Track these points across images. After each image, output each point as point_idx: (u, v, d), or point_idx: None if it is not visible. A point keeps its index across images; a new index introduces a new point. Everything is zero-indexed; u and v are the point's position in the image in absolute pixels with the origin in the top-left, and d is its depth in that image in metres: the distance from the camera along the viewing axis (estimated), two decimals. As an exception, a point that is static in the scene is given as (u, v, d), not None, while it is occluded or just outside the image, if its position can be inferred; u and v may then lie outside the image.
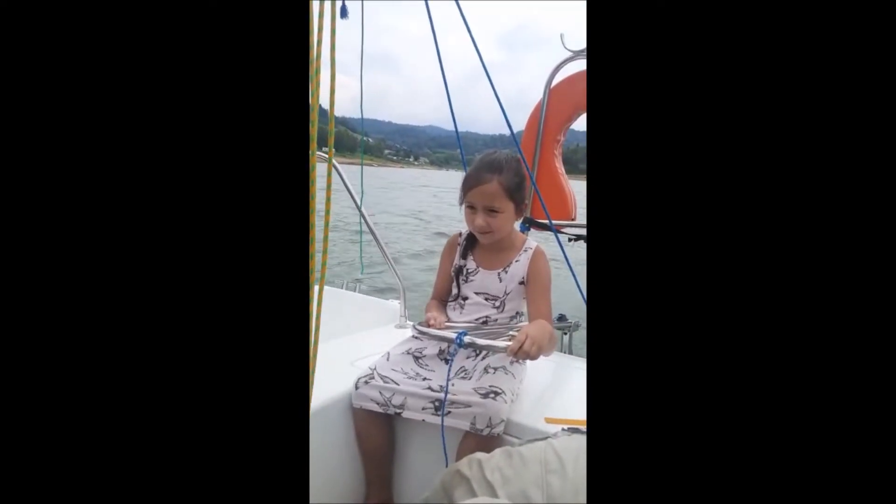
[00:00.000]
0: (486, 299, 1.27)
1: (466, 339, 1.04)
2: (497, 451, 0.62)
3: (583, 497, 0.53)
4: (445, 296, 1.35)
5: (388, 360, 1.21)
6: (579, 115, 2.92)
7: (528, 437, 0.67)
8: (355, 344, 1.48)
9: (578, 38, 2.72)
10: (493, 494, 0.56)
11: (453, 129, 1.73)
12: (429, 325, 1.16)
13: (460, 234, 1.34)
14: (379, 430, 1.18)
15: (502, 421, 1.05)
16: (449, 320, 1.26)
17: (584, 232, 2.79)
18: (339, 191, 1.67)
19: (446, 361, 1.18)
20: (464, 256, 1.31)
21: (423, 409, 1.10)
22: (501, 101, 1.43)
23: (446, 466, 0.71)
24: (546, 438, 0.63)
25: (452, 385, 1.11)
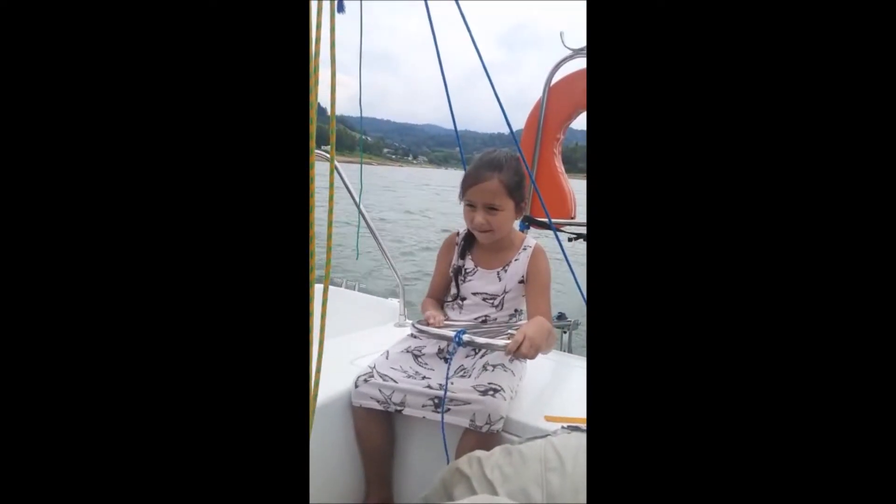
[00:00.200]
0: (485, 299, 1.27)
1: (465, 337, 1.04)
2: (497, 449, 0.62)
3: (582, 495, 0.53)
4: (441, 295, 1.34)
5: (387, 358, 1.21)
6: (579, 113, 2.92)
7: (527, 435, 0.67)
8: (354, 343, 1.48)
9: (578, 36, 2.72)
10: (493, 492, 0.56)
11: (452, 127, 1.74)
12: (427, 324, 1.16)
13: (458, 234, 1.33)
14: (378, 429, 1.18)
15: (501, 418, 1.05)
16: (447, 319, 1.26)
17: (583, 230, 2.79)
18: (338, 188, 1.67)
19: (445, 360, 1.18)
20: (462, 256, 1.30)
21: (423, 406, 1.10)
22: (500, 100, 1.43)
23: (447, 463, 0.71)
24: (546, 436, 0.63)
25: (452, 383, 1.11)
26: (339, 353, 1.36)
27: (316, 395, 0.53)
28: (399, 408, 1.11)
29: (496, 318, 1.27)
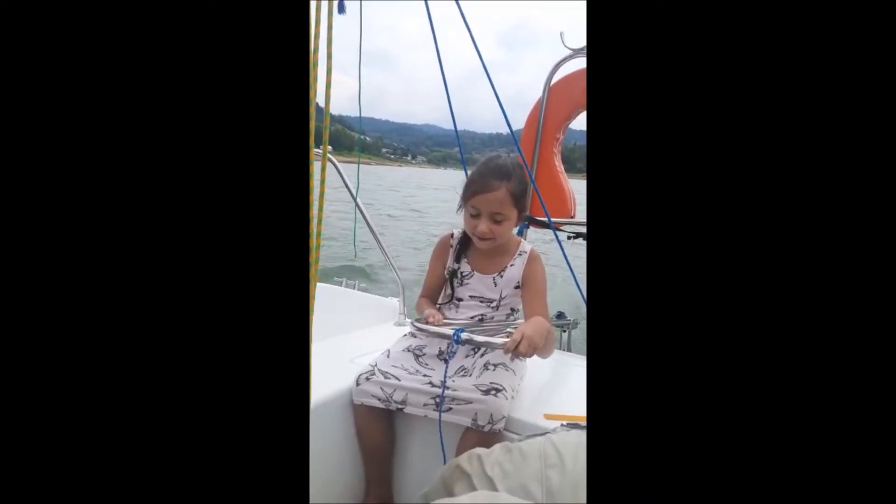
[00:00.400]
0: (481, 301, 1.27)
1: (464, 335, 1.04)
2: (497, 446, 0.63)
3: (581, 491, 0.53)
4: (435, 295, 1.34)
5: (388, 356, 1.21)
6: (578, 113, 2.92)
7: (527, 433, 0.67)
8: (354, 341, 1.48)
9: (577, 36, 2.72)
10: (493, 489, 0.56)
11: (451, 127, 1.74)
12: (427, 322, 1.16)
13: (451, 235, 1.32)
14: (379, 427, 1.18)
15: (503, 417, 1.05)
16: (445, 317, 1.26)
17: (582, 230, 2.79)
18: (338, 188, 1.67)
19: (445, 362, 1.18)
20: (457, 260, 1.29)
21: (425, 405, 1.10)
22: (500, 99, 1.43)
23: (444, 463, 0.71)
24: (545, 434, 0.63)
25: (453, 382, 1.11)
26: (338, 352, 1.36)
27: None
28: (400, 406, 1.12)
29: (493, 318, 1.27)
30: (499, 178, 1.14)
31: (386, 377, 1.14)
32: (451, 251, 1.30)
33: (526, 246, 1.28)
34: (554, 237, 1.53)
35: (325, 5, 0.50)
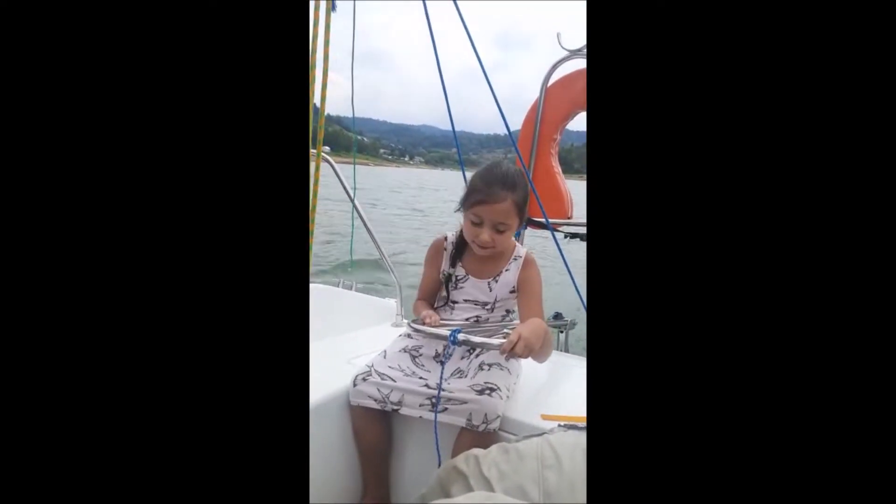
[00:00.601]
0: (476, 304, 1.28)
1: (461, 336, 1.04)
2: (494, 447, 0.62)
3: (578, 492, 0.53)
4: (432, 298, 1.34)
5: (385, 357, 1.21)
6: (576, 113, 2.93)
7: (524, 433, 0.67)
8: (351, 342, 1.48)
9: (574, 37, 2.73)
10: (490, 490, 0.56)
11: (448, 128, 1.74)
12: (423, 323, 1.16)
13: (445, 238, 1.31)
14: (376, 428, 1.18)
15: (498, 417, 1.06)
16: (441, 319, 1.26)
17: (580, 230, 2.80)
18: (338, 186, 1.67)
19: (442, 363, 1.18)
20: (453, 264, 1.29)
21: (421, 405, 1.10)
22: (498, 100, 1.43)
23: (439, 465, 0.71)
24: (542, 435, 0.63)
25: (448, 383, 1.11)
26: (335, 353, 1.36)
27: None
28: (396, 407, 1.12)
29: (488, 319, 1.27)
30: (505, 189, 1.13)
31: (382, 378, 1.13)
32: (446, 254, 1.30)
33: (521, 250, 1.27)
34: (551, 237, 1.53)
35: (322, 5, 0.50)
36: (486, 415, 1.05)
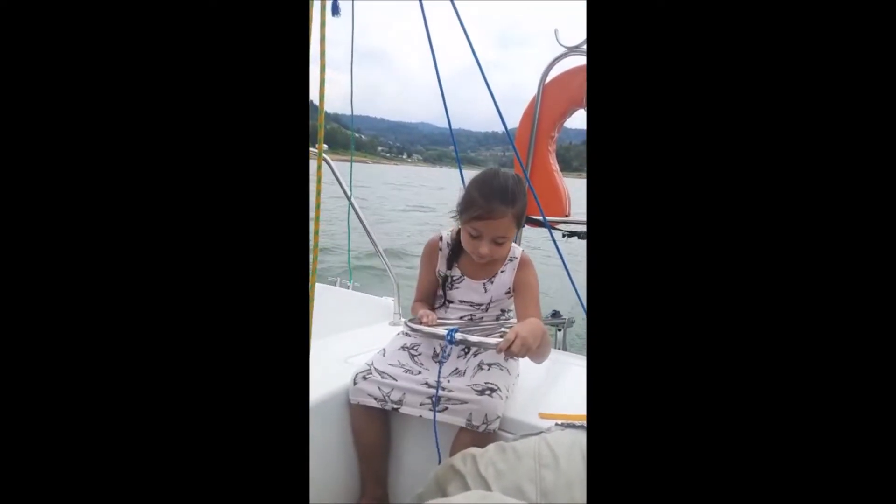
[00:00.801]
0: (470, 305, 1.28)
1: (458, 335, 1.04)
2: (491, 446, 0.62)
3: (575, 490, 0.53)
4: (430, 299, 1.34)
5: (384, 355, 1.21)
6: (573, 111, 2.93)
7: (522, 432, 0.67)
8: (349, 341, 1.48)
9: (571, 34, 2.73)
10: (487, 489, 0.56)
11: (445, 125, 1.74)
12: (421, 322, 1.16)
13: (440, 238, 1.30)
14: (376, 427, 1.18)
15: (498, 417, 1.06)
16: (438, 318, 1.26)
17: (578, 228, 2.80)
18: (335, 184, 1.67)
19: (440, 362, 1.18)
20: (449, 266, 1.28)
21: (421, 404, 1.10)
22: (495, 98, 1.43)
23: (439, 463, 0.71)
24: (540, 433, 0.63)
25: (448, 382, 1.11)
26: (333, 352, 1.36)
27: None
28: (396, 406, 1.12)
29: (482, 318, 1.28)
30: (504, 204, 1.10)
31: (383, 377, 1.13)
32: (441, 255, 1.29)
33: (517, 251, 1.27)
34: (549, 235, 1.53)
35: (318, 5, 0.50)
36: (486, 415, 1.05)
